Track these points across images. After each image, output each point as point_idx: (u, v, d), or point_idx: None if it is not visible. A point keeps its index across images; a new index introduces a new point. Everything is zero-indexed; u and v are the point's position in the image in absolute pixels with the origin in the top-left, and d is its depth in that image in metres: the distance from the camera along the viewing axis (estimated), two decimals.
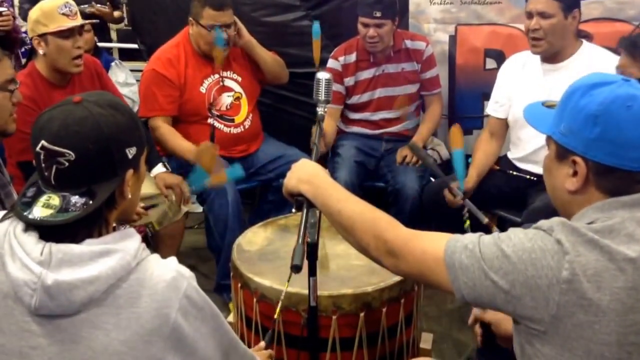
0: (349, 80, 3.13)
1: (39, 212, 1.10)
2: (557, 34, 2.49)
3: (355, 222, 1.34)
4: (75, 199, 1.11)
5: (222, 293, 2.91)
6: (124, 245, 1.12)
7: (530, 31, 2.52)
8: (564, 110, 1.21)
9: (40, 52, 2.52)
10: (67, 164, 1.10)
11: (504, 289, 1.14)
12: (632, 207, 1.14)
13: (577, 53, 2.55)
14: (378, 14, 2.89)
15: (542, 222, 1.17)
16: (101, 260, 1.09)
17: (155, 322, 1.10)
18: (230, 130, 3.05)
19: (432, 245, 1.24)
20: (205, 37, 2.93)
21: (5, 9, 3.23)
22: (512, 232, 1.19)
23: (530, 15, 2.52)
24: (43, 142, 1.10)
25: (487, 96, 2.99)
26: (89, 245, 1.10)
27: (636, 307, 1.08)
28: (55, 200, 1.11)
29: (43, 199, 1.12)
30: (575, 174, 1.19)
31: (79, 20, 2.56)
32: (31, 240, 1.10)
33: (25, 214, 1.11)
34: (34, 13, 2.52)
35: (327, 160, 3.17)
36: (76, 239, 1.11)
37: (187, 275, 1.16)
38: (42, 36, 2.50)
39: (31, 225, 1.11)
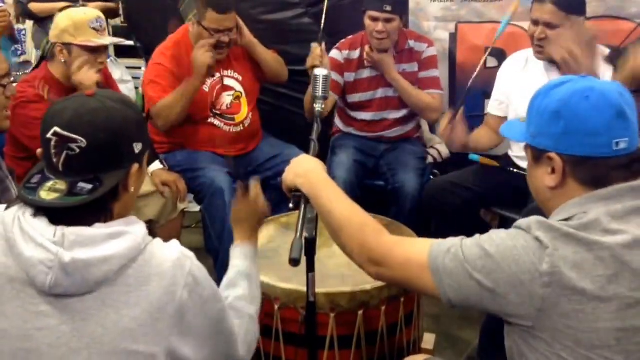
0: (349, 76, 3.09)
1: (44, 196, 1.13)
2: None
3: (342, 226, 1.36)
4: (82, 184, 1.14)
5: None
6: (133, 229, 1.17)
7: (535, 39, 2.50)
8: (531, 115, 1.28)
9: (62, 59, 2.49)
10: (77, 150, 1.13)
11: (488, 287, 1.17)
12: (607, 200, 1.18)
13: None
14: (388, 8, 2.83)
15: (521, 222, 1.20)
16: (113, 242, 1.13)
17: (163, 299, 1.15)
18: (230, 129, 3.02)
19: (415, 252, 1.27)
20: (206, 38, 2.85)
21: (2, 4, 3.20)
22: (494, 232, 1.22)
23: (535, 23, 2.48)
24: (56, 128, 1.14)
25: (488, 95, 2.97)
26: (100, 228, 1.14)
27: (618, 294, 1.11)
28: (62, 185, 1.14)
29: (49, 184, 1.15)
30: (553, 171, 1.23)
31: (107, 39, 2.55)
32: (42, 223, 1.13)
33: (30, 197, 1.14)
34: (62, 21, 2.49)
35: (326, 159, 3.13)
36: (83, 224, 1.14)
37: (190, 255, 1.22)
38: (67, 45, 2.48)
39: (41, 211, 1.14)
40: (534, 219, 1.19)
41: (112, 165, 1.17)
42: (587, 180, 1.20)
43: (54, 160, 1.15)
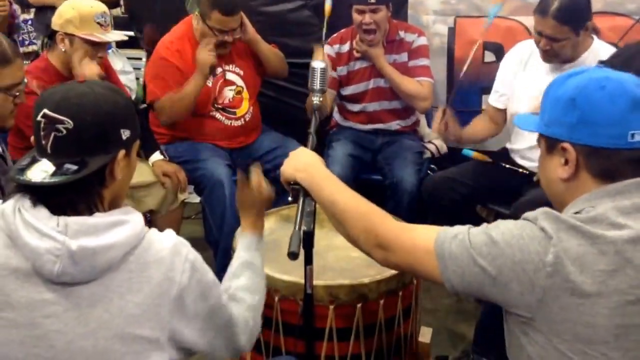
0: (342, 70, 3.10)
1: (32, 174, 1.15)
2: (569, 51, 2.44)
3: (347, 215, 1.37)
4: (68, 165, 1.16)
5: None
6: (131, 217, 1.20)
7: (540, 49, 2.46)
8: (545, 104, 1.27)
9: (62, 49, 2.49)
10: (64, 131, 1.15)
11: (491, 274, 1.16)
12: (615, 196, 1.17)
13: (587, 52, 2.49)
14: (373, 0, 2.85)
15: (528, 213, 1.20)
16: (115, 230, 1.16)
17: (163, 285, 1.18)
18: (231, 123, 3.04)
19: (422, 238, 1.27)
20: (209, 37, 2.85)
21: None
22: (501, 221, 1.22)
23: (540, 34, 2.42)
24: (45, 110, 1.16)
25: (485, 90, 2.97)
26: (100, 217, 1.16)
27: (619, 289, 1.11)
28: (50, 166, 1.16)
29: (37, 165, 1.17)
30: (566, 162, 1.22)
31: (111, 35, 2.54)
32: (43, 214, 1.15)
33: (18, 176, 1.16)
34: (68, 11, 2.48)
35: (323, 154, 3.14)
36: (78, 211, 1.16)
37: (185, 243, 1.25)
38: (69, 35, 2.47)
39: (38, 201, 1.16)
40: (540, 210, 1.18)
41: (98, 149, 1.18)
42: (599, 173, 1.19)
43: (43, 142, 1.17)
